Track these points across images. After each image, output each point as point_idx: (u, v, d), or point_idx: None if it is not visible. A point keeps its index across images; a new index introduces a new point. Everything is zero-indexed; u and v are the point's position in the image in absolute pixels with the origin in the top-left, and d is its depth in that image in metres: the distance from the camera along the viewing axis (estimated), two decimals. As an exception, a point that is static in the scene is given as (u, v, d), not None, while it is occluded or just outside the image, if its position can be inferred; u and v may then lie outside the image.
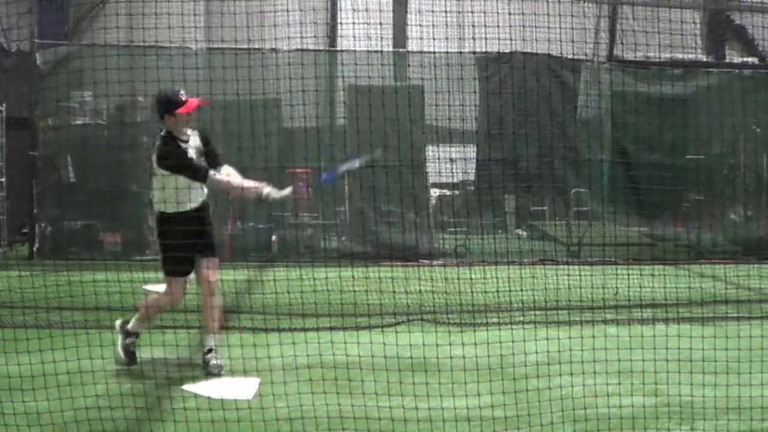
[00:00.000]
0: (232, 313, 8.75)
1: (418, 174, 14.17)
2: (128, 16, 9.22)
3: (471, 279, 9.78)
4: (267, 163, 13.71)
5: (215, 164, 6.73)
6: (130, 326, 6.90)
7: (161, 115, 6.61)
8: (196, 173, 6.52)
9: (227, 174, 6.79)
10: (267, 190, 6.64)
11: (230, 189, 6.78)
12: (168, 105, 6.54)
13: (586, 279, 10.00)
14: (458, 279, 9.24)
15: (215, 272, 6.77)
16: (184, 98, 6.53)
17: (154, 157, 6.61)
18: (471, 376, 6.09)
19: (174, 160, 6.50)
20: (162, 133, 6.63)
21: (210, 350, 6.71)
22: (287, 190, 6.82)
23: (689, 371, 6.18)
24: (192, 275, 6.84)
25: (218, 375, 6.59)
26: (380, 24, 10.07)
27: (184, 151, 6.55)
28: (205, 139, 6.79)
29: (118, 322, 7.00)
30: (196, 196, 6.73)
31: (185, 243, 6.51)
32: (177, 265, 6.69)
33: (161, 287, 9.54)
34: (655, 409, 5.57)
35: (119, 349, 6.85)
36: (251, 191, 6.68)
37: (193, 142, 6.68)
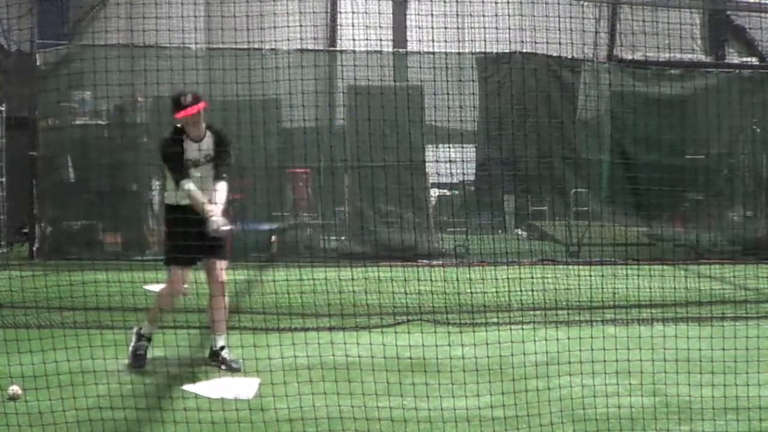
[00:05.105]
0: (232, 314, 8.75)
1: (417, 174, 14.18)
2: (128, 18, 9.23)
3: (471, 279, 9.79)
4: (267, 164, 13.72)
5: (216, 174, 6.75)
6: (142, 330, 6.96)
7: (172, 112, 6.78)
8: (174, 173, 6.69)
9: (207, 188, 6.69)
10: (215, 220, 6.52)
11: (193, 202, 6.67)
12: (173, 106, 6.69)
13: (586, 279, 10.00)
14: (458, 279, 9.24)
15: (225, 273, 6.93)
16: (185, 102, 6.59)
17: None
18: (471, 377, 6.10)
19: (163, 151, 6.81)
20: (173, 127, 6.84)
21: (223, 347, 6.88)
22: (226, 227, 6.62)
23: (689, 371, 6.20)
24: (190, 275, 6.95)
25: (239, 369, 6.70)
26: (379, 26, 10.07)
27: (176, 149, 6.70)
28: (218, 143, 6.79)
29: (136, 328, 7.07)
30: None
31: (184, 233, 6.55)
32: (173, 253, 6.79)
33: (161, 287, 9.57)
34: (655, 410, 5.58)
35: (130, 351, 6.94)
36: (204, 213, 6.57)
37: (206, 144, 6.77)
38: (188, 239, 6.55)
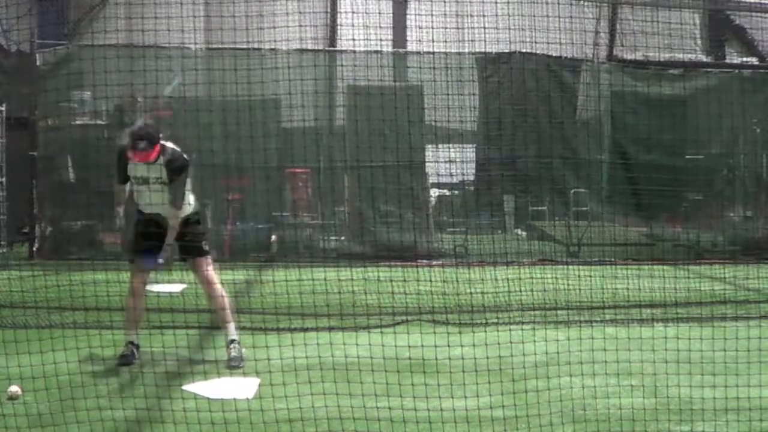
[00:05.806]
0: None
1: (417, 174, 14.18)
2: (128, 18, 9.23)
3: (470, 279, 9.78)
4: (266, 164, 13.71)
5: (171, 200, 6.85)
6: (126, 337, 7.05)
7: None
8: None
9: (163, 202, 6.90)
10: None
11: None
12: (129, 139, 6.72)
13: (586, 279, 10.01)
14: (458, 279, 9.24)
15: (212, 270, 7.00)
16: (140, 147, 6.63)
17: None
18: (471, 377, 6.10)
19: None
20: None
21: (232, 341, 6.94)
22: (159, 260, 6.84)
23: (689, 371, 6.20)
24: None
25: (239, 366, 6.75)
26: (379, 26, 10.08)
27: (120, 162, 6.89)
28: (170, 171, 6.80)
29: None
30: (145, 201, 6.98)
31: (142, 233, 6.95)
32: (130, 252, 7.03)
33: (161, 287, 9.58)
34: (655, 410, 5.57)
35: None
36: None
37: (156, 168, 6.79)
38: (149, 239, 6.82)
